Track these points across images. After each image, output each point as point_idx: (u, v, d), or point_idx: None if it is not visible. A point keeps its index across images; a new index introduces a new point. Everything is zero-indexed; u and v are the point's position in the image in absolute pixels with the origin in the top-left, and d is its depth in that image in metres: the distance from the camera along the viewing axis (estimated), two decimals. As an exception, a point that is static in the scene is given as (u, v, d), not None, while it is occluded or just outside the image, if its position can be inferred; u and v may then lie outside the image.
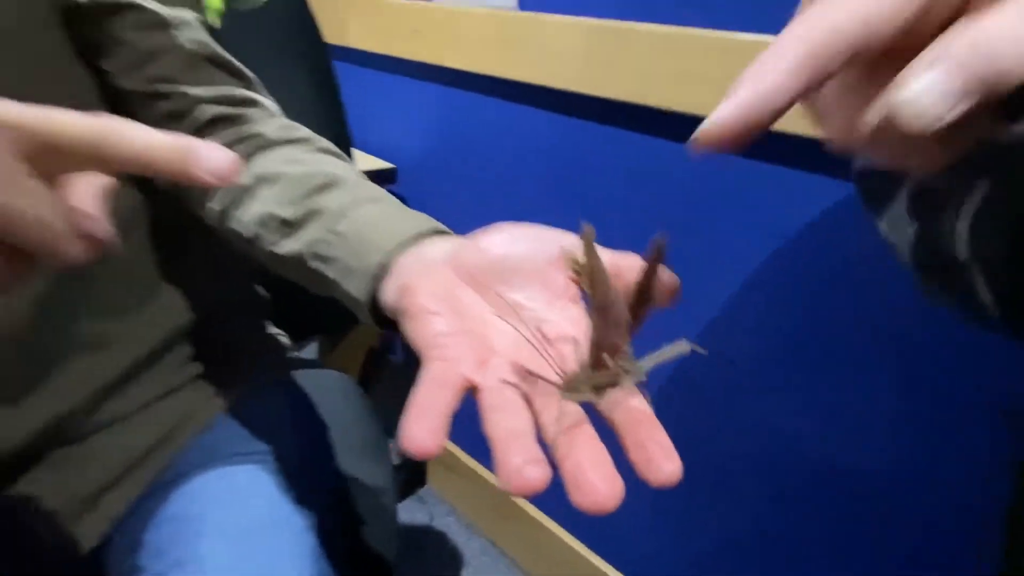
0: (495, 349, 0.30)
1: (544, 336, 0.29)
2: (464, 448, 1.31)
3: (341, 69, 1.33)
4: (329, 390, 0.78)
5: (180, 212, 0.52)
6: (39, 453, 0.51)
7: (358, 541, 0.64)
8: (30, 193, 0.24)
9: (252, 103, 0.49)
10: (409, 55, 1.14)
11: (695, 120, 0.70)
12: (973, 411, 0.68)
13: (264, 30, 0.83)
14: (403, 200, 1.25)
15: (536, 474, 0.21)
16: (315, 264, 0.40)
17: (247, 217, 0.45)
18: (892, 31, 0.19)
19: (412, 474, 1.09)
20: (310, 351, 1.23)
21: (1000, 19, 0.17)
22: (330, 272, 0.39)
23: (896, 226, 0.30)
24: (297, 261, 0.42)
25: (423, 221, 0.40)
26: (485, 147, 1.09)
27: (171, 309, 0.56)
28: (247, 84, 0.51)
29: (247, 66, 0.51)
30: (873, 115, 0.20)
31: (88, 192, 0.27)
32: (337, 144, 0.83)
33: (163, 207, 0.52)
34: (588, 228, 0.24)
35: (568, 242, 0.33)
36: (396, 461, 0.79)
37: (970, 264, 0.26)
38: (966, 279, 0.27)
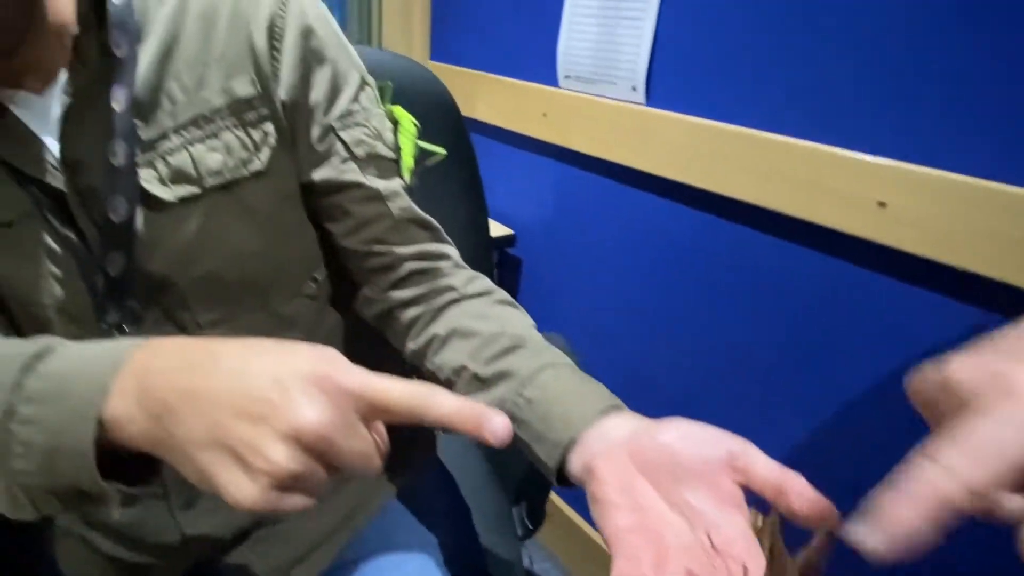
0: (671, 549, 0.36)
1: (712, 544, 0.35)
2: (564, 499, 1.37)
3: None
4: (464, 463, 0.86)
5: (377, 335, 0.61)
6: (249, 532, 0.61)
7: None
8: (361, 437, 0.33)
9: (443, 256, 0.58)
10: (535, 134, 1.22)
11: (801, 223, 0.72)
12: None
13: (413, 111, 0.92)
14: (520, 263, 1.33)
15: None
16: None
17: (443, 364, 0.53)
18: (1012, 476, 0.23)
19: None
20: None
21: None
22: (521, 434, 0.47)
23: None
24: None
25: (602, 397, 0.46)
26: (601, 225, 1.15)
27: None
28: (436, 235, 0.59)
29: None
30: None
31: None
32: (475, 213, 0.91)
33: (364, 330, 0.62)
34: (773, 518, 0.29)
35: (735, 446, 0.38)
36: (520, 532, 0.86)
37: None
38: None
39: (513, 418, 0.48)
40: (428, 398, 0.34)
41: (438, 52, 1.46)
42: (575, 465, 0.43)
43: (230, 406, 0.32)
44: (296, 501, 0.33)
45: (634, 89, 1.00)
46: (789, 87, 0.83)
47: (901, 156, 0.73)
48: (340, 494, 0.65)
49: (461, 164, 0.89)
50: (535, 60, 1.18)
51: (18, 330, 0.51)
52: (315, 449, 0.32)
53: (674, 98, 0.96)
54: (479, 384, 0.50)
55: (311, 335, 0.60)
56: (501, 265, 1.36)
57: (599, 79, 1.06)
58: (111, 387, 0.35)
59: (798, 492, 0.34)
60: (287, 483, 0.32)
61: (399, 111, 0.61)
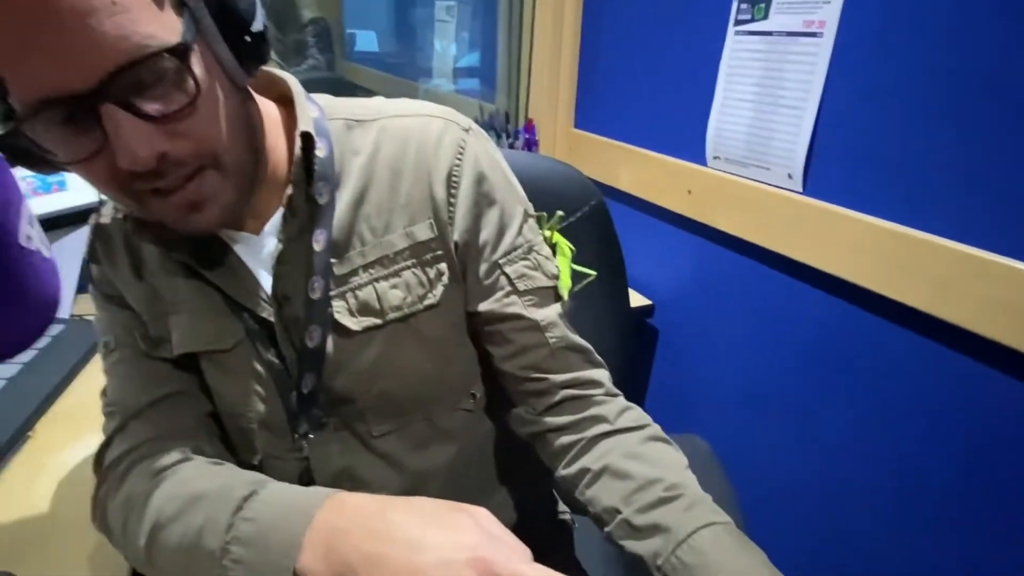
0: None
1: None
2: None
3: (608, 205, 1.45)
4: (599, 562, 0.86)
5: (527, 448, 0.64)
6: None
7: None
8: None
9: (595, 383, 0.60)
10: (679, 209, 1.21)
11: (982, 340, 0.65)
12: None
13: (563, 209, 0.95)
14: (657, 333, 1.31)
15: None
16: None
17: (595, 499, 0.55)
18: None
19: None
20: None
21: None
22: None
23: None
24: (638, 560, 0.50)
25: (754, 567, 0.45)
26: (744, 306, 1.12)
27: (502, 509, 0.69)
28: (588, 357, 0.61)
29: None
30: None
31: None
32: (616, 282, 0.92)
33: (515, 442, 0.65)
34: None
35: None
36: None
37: None
38: None
39: None
40: None
41: (582, 121, 1.50)
42: None
43: None
44: None
45: (790, 177, 0.97)
46: (967, 191, 0.77)
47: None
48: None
49: (607, 259, 0.91)
50: (681, 137, 1.18)
51: (227, 438, 0.60)
52: None
53: (834, 190, 0.92)
54: (632, 531, 0.51)
55: (466, 445, 0.64)
56: (639, 334, 1.36)
57: (751, 163, 1.03)
58: (303, 542, 0.41)
59: None
60: None
61: (557, 236, 0.64)
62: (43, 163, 0.44)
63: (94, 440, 0.79)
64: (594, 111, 1.46)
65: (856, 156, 0.88)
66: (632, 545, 0.51)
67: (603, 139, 1.40)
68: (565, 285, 0.63)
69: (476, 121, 1.65)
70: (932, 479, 0.86)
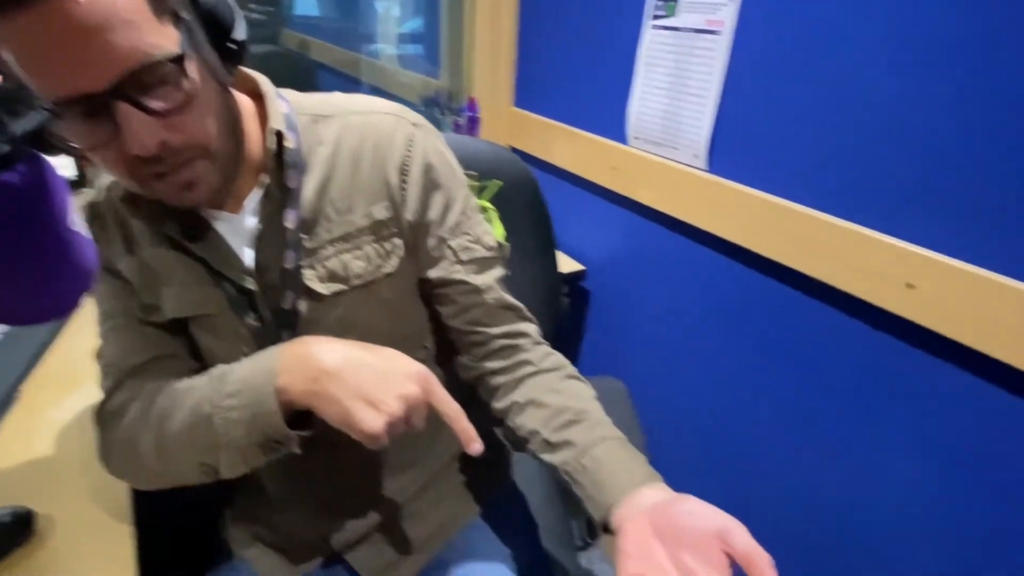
0: None
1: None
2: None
3: (544, 179, 1.57)
4: (532, 484, 1.01)
5: (469, 388, 0.77)
6: (368, 535, 0.79)
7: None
8: (422, 413, 0.56)
9: (525, 335, 0.73)
10: (606, 184, 1.35)
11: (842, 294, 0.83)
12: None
13: (503, 189, 1.07)
14: (589, 295, 1.47)
15: None
16: (566, 478, 0.63)
17: (521, 425, 0.69)
18: None
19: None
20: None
21: None
22: (577, 491, 0.62)
23: None
24: (552, 467, 0.65)
25: (640, 473, 0.60)
26: (662, 270, 1.28)
27: (452, 438, 0.82)
28: (520, 314, 0.74)
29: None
30: None
31: None
32: (548, 267, 1.06)
33: (459, 384, 0.78)
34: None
35: (725, 524, 0.51)
36: (579, 544, 1.01)
37: None
38: None
39: (572, 479, 0.63)
40: (456, 420, 0.57)
41: (521, 100, 1.61)
42: (614, 520, 0.58)
43: (370, 377, 0.55)
44: (395, 431, 0.55)
45: (696, 156, 1.11)
46: (836, 171, 0.93)
47: (930, 246, 0.83)
48: (437, 509, 0.81)
49: (539, 230, 1.03)
50: (607, 118, 1.31)
51: None
52: (409, 407, 0.55)
53: (733, 168, 1.07)
54: (547, 447, 0.65)
55: None
56: (572, 296, 1.50)
57: (664, 143, 1.17)
58: (278, 368, 0.56)
59: (760, 567, 0.48)
60: (394, 421, 0.53)
61: (486, 203, 0.77)
62: (64, 151, 0.53)
63: (76, 397, 0.88)
64: (532, 92, 1.57)
65: (752, 140, 1.04)
66: (548, 457, 0.65)
67: (540, 118, 1.52)
68: (499, 235, 0.76)
69: (421, 97, 1.73)
70: (820, 419, 1.04)
